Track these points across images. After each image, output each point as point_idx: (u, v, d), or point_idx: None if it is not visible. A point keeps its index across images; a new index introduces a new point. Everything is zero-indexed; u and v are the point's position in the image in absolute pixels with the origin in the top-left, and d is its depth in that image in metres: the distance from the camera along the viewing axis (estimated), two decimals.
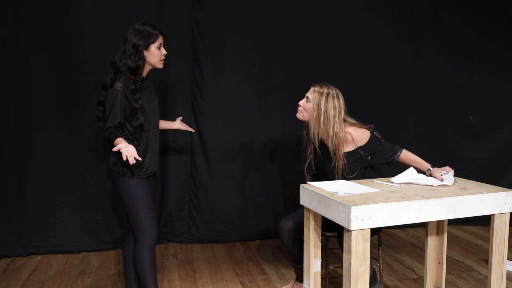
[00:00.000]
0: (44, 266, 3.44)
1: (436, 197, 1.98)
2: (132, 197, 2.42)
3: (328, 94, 2.53)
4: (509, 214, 2.11)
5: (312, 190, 2.13)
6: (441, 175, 2.32)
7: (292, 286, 2.93)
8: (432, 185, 2.25)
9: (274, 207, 4.02)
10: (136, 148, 2.40)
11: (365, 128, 2.61)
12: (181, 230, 3.94)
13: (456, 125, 4.35)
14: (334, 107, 2.52)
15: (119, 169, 2.40)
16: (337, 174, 2.58)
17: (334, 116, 2.51)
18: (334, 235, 2.66)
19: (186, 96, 3.82)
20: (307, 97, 2.60)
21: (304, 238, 2.29)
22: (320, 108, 2.52)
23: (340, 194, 2.01)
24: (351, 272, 1.86)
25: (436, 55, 4.25)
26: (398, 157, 2.58)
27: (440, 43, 4.25)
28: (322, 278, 3.09)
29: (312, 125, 2.57)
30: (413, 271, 3.31)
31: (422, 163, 2.53)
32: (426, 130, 4.28)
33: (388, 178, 2.44)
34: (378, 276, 2.91)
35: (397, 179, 2.39)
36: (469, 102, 4.33)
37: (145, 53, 2.45)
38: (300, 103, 2.63)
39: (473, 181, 2.31)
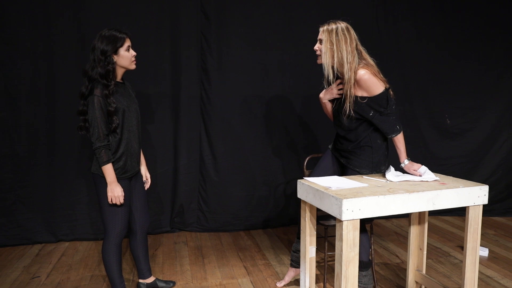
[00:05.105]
0: (71, 251, 3.46)
1: (418, 191, 2.00)
2: None
3: (337, 28, 2.33)
4: (482, 206, 2.12)
5: (308, 185, 2.14)
6: (420, 174, 2.31)
7: (288, 272, 2.84)
8: (421, 181, 2.23)
9: (275, 200, 4.03)
10: (114, 152, 2.31)
11: (381, 80, 2.37)
12: (191, 220, 3.95)
13: (435, 128, 4.36)
14: (345, 39, 2.31)
15: (102, 172, 2.30)
16: (344, 116, 2.39)
17: (346, 47, 2.31)
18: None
19: (196, 102, 3.83)
20: (320, 40, 2.38)
21: (301, 228, 2.30)
22: (333, 44, 2.32)
23: (333, 189, 2.03)
24: (342, 258, 1.88)
25: (418, 65, 4.25)
26: (390, 137, 2.42)
27: (422, 54, 4.25)
28: (320, 264, 3.11)
29: (329, 62, 2.35)
30: (397, 256, 3.32)
31: (401, 154, 2.41)
32: (408, 132, 4.28)
33: (380, 175, 2.43)
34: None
35: (391, 176, 2.28)
36: (446, 107, 4.34)
37: (115, 57, 2.29)
38: (316, 47, 2.41)
39: (451, 177, 2.32)
